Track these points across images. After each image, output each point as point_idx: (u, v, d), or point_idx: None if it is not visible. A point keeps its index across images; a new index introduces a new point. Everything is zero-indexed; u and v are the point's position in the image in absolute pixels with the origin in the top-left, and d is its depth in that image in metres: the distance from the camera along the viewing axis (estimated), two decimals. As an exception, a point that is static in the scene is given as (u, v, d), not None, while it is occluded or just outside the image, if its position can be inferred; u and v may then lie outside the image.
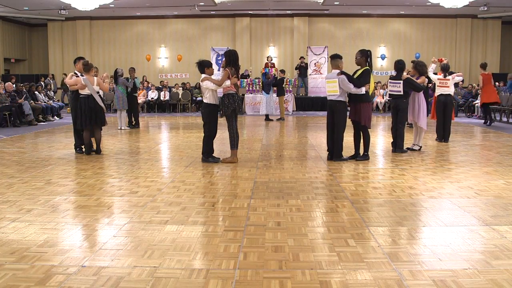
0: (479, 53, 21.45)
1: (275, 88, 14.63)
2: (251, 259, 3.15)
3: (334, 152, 6.97)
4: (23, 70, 22.78)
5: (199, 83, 6.96)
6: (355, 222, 3.95)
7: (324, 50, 18.58)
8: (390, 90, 7.75)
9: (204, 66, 6.83)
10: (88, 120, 7.58)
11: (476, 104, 15.39)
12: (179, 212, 4.28)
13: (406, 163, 6.83)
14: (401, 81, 7.50)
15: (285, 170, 6.35)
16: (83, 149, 7.83)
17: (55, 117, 15.45)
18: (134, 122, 12.36)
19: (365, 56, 6.84)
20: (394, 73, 7.83)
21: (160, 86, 19.32)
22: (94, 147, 7.88)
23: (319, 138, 9.93)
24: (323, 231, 3.74)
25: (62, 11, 18.78)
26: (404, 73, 7.69)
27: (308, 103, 18.39)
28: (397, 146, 7.68)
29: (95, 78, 7.78)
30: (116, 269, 2.99)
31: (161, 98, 18.41)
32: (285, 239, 3.55)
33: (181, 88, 19.02)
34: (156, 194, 4.97)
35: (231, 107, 6.67)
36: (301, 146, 8.82)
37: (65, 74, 9.65)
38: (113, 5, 17.47)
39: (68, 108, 18.39)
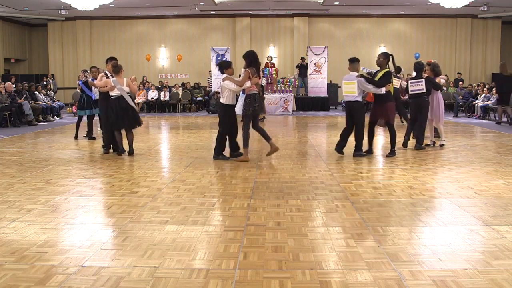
0: (479, 53, 21.44)
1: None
2: (251, 259, 3.15)
3: (355, 148, 7.32)
4: (23, 70, 22.77)
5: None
6: (355, 222, 3.95)
7: (324, 50, 18.55)
8: (411, 90, 8.04)
9: (223, 67, 7.00)
10: (121, 121, 7.49)
11: (476, 104, 15.40)
12: (179, 212, 4.28)
13: (406, 163, 6.84)
14: (423, 80, 7.87)
15: (285, 170, 6.35)
16: (110, 149, 7.86)
17: (55, 117, 15.46)
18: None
19: (387, 59, 7.23)
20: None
21: (159, 86, 19.32)
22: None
23: (319, 138, 9.93)
24: (323, 231, 3.74)
25: (62, 11, 18.75)
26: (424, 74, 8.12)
27: (308, 103, 18.37)
28: (418, 141, 8.03)
29: (125, 79, 7.64)
30: (116, 269, 2.99)
31: (161, 98, 18.41)
32: (285, 239, 3.55)
33: (181, 88, 19.01)
34: (156, 194, 4.97)
35: (251, 107, 6.78)
36: (301, 146, 8.81)
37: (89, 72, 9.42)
38: (113, 5, 17.45)
39: (69, 108, 18.47)
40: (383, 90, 7.07)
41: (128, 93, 7.64)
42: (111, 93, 7.53)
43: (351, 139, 7.37)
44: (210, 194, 4.98)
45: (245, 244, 3.44)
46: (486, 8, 18.04)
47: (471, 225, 3.88)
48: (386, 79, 7.06)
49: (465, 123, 13.31)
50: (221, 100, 6.99)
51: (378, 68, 7.29)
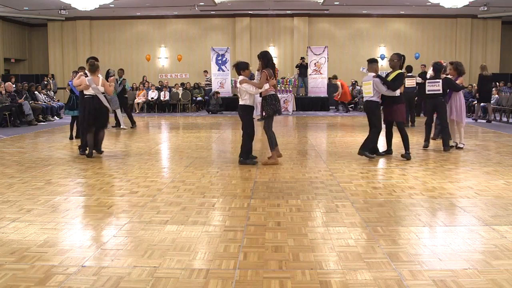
0: (479, 53, 21.45)
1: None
2: (251, 259, 3.15)
3: (363, 145, 7.22)
4: (23, 70, 22.78)
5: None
6: (355, 222, 3.96)
7: (324, 50, 18.54)
8: (429, 90, 8.04)
9: (240, 68, 6.74)
10: (92, 121, 7.42)
11: (476, 104, 15.38)
12: (179, 212, 4.28)
13: (406, 163, 6.83)
14: (440, 80, 7.87)
15: (285, 170, 6.35)
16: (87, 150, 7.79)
17: (55, 117, 15.46)
18: (116, 122, 12.27)
19: (400, 60, 7.28)
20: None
21: (159, 86, 19.32)
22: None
23: (319, 138, 9.93)
24: (323, 231, 3.74)
25: (62, 11, 18.77)
26: (443, 75, 8.12)
27: (308, 103, 18.37)
28: (445, 144, 7.90)
29: (101, 78, 7.61)
30: (116, 269, 2.99)
31: (161, 98, 18.41)
32: (285, 239, 3.55)
33: (181, 88, 19.02)
34: (156, 194, 4.97)
35: (274, 107, 6.61)
36: (301, 146, 8.82)
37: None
38: (113, 5, 17.47)
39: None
40: (397, 93, 7.09)
41: (103, 93, 7.55)
42: (85, 92, 7.46)
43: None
44: (210, 194, 4.98)
45: (245, 244, 3.44)
46: (486, 8, 18.05)
47: (471, 225, 3.88)
48: (400, 81, 7.07)
49: (465, 123, 13.28)
50: (241, 102, 6.70)
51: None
